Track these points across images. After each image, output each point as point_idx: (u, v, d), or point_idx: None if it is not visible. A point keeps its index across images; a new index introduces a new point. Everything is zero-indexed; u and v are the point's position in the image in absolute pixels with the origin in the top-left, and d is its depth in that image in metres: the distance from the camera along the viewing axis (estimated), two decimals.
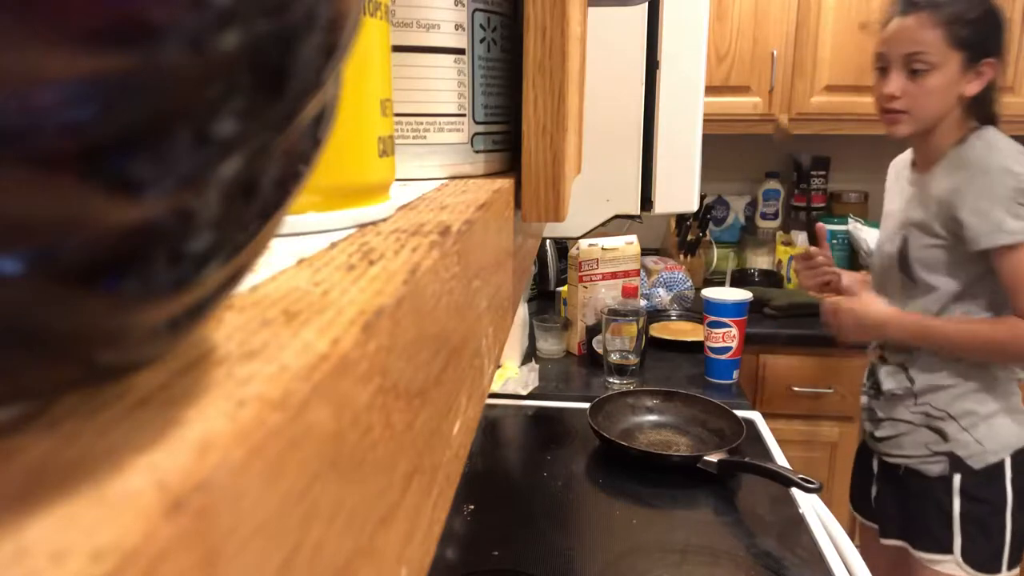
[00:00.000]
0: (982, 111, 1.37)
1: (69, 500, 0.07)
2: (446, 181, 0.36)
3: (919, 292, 1.43)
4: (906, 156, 1.54)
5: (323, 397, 0.11)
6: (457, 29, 0.36)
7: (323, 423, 0.11)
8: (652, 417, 1.44)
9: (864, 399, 1.60)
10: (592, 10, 0.80)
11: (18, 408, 0.09)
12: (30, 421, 0.09)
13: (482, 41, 0.37)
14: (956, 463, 1.43)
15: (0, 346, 0.08)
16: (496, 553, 1.04)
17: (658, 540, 1.07)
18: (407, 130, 0.36)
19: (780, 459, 1.32)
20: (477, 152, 0.39)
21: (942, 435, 1.44)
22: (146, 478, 0.08)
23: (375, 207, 0.24)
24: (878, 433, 1.54)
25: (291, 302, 0.14)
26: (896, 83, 1.35)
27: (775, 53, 2.17)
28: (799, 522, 1.11)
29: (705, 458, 1.22)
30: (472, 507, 1.17)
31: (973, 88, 1.33)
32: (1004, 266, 1.31)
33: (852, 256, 2.39)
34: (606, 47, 0.81)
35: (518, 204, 0.40)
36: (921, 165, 1.45)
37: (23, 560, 0.07)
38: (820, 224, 1.63)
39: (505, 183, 0.36)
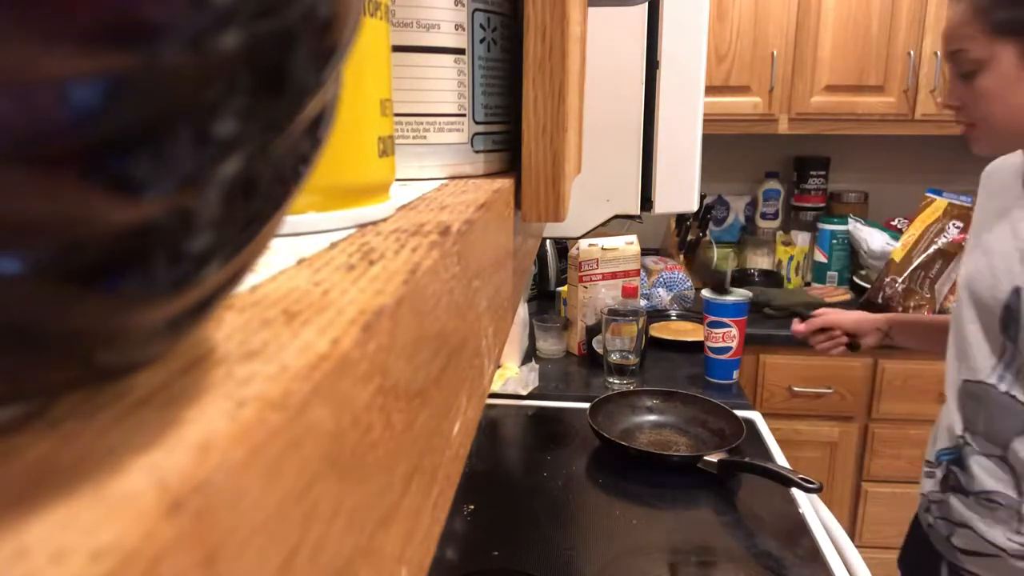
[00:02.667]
0: None
1: (69, 500, 0.07)
2: (446, 181, 0.36)
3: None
4: (1013, 163, 1.16)
5: (323, 397, 0.11)
6: (457, 29, 0.36)
7: (323, 423, 0.11)
8: (652, 417, 1.44)
9: (930, 482, 1.21)
10: (592, 10, 0.80)
11: (18, 408, 0.09)
12: (30, 421, 0.09)
13: (482, 41, 0.37)
14: None
15: (0, 346, 0.08)
16: (496, 553, 1.04)
17: (658, 540, 1.07)
18: (407, 130, 0.36)
19: (780, 459, 1.32)
20: (477, 152, 0.39)
21: None
22: (146, 478, 0.08)
23: (375, 207, 0.24)
24: (956, 540, 1.15)
25: (291, 302, 0.14)
26: (952, 90, 1.09)
27: (775, 53, 2.17)
28: (799, 522, 1.11)
29: (705, 458, 1.22)
30: (472, 507, 1.17)
31: None
32: None
33: (852, 256, 2.39)
34: (606, 47, 0.81)
35: (518, 204, 0.40)
36: None
37: (23, 560, 0.07)
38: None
39: (505, 183, 0.36)
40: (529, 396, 1.60)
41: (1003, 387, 1.07)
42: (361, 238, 0.21)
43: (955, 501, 1.15)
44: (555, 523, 1.12)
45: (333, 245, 0.20)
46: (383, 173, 0.25)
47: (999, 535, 1.09)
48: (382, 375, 0.14)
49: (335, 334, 0.12)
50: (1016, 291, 1.05)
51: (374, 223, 0.24)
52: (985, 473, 1.10)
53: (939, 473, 1.19)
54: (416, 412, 0.17)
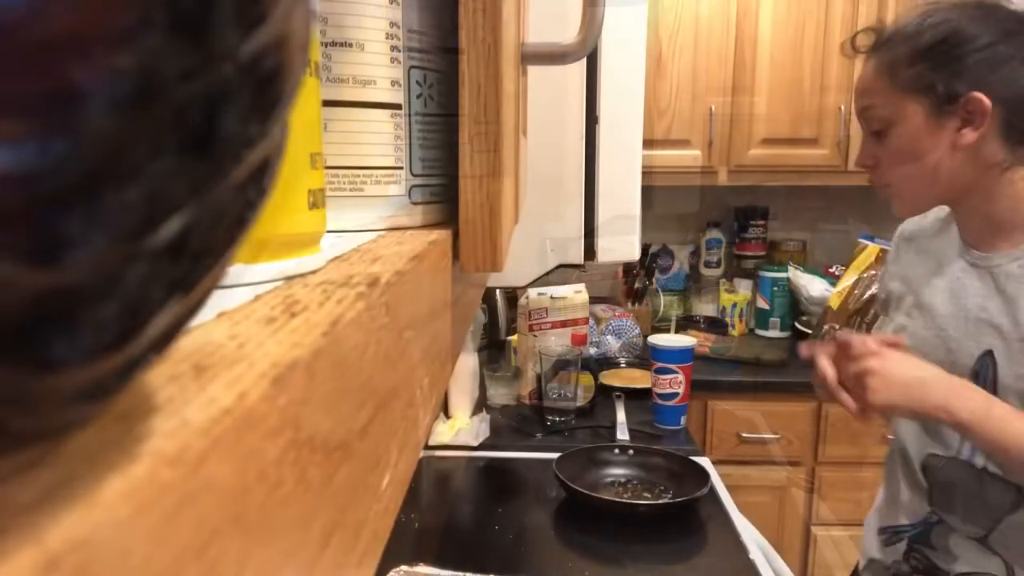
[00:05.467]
0: None
1: None
2: (383, 232, 0.37)
3: None
4: (929, 222, 1.12)
5: (224, 452, 0.11)
6: (393, 85, 0.36)
7: (224, 478, 0.11)
8: (618, 470, 1.43)
9: (890, 550, 1.12)
10: (535, 67, 0.83)
11: None
12: None
13: (419, 97, 0.38)
14: None
15: None
16: None
17: None
18: (344, 182, 0.36)
19: (729, 504, 1.33)
20: (415, 204, 0.39)
21: None
22: (23, 536, 0.08)
23: (304, 259, 0.24)
24: None
25: (203, 356, 0.14)
26: (864, 148, 1.04)
27: (713, 108, 2.26)
28: (750, 570, 1.12)
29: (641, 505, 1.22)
30: (423, 564, 1.14)
31: (969, 136, 0.94)
32: None
33: (793, 303, 2.46)
34: (549, 102, 0.84)
35: (457, 255, 0.40)
36: (983, 241, 1.01)
37: None
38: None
39: (442, 234, 0.37)
40: (480, 447, 1.58)
41: (979, 462, 0.99)
42: (287, 290, 0.21)
43: None
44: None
45: (257, 298, 0.20)
46: (313, 225, 0.25)
47: None
48: (295, 429, 0.14)
49: (242, 388, 0.12)
50: (988, 354, 0.96)
51: (303, 275, 0.24)
52: (969, 554, 1.01)
53: (902, 548, 1.10)
54: (337, 466, 0.17)
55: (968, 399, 0.90)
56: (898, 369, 0.93)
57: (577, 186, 0.83)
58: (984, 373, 0.96)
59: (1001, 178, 0.96)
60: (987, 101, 0.93)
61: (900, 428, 1.11)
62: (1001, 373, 0.95)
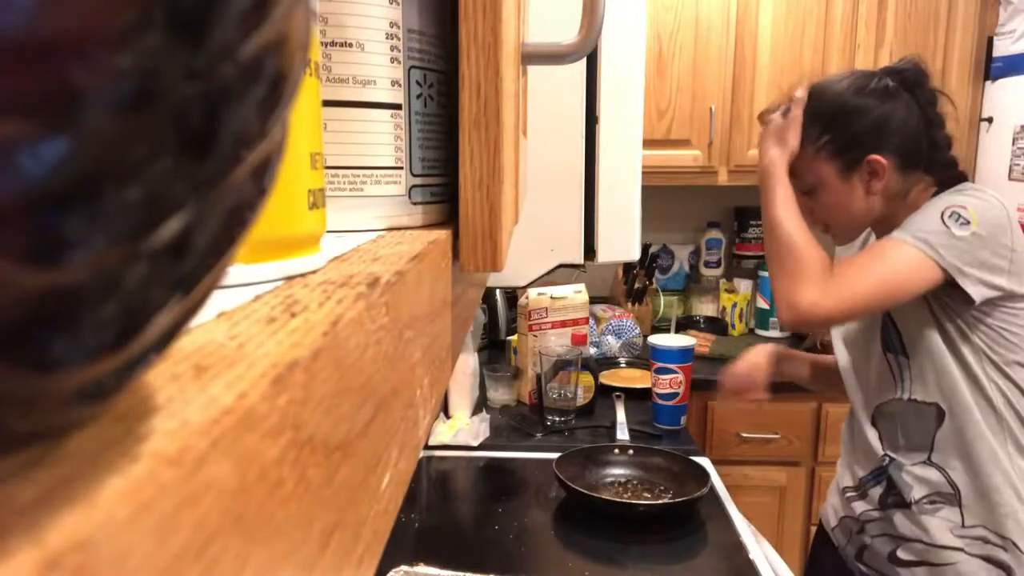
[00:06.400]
0: (939, 176, 1.22)
1: None
2: (383, 232, 0.37)
3: (918, 367, 1.19)
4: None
5: (224, 452, 0.11)
6: (393, 85, 0.36)
7: (224, 478, 0.11)
8: (616, 471, 1.43)
9: (861, 504, 1.29)
10: (535, 67, 0.83)
11: None
12: None
13: (419, 97, 0.38)
14: None
15: None
16: None
17: None
18: (344, 182, 0.36)
19: (729, 504, 1.33)
20: (415, 204, 0.39)
21: (1006, 570, 1.13)
22: (24, 536, 0.08)
23: (304, 259, 0.24)
24: (902, 554, 1.21)
25: (203, 356, 0.14)
26: (801, 205, 1.25)
27: (713, 108, 2.26)
28: (749, 569, 1.12)
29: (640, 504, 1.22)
30: (423, 563, 1.14)
31: (877, 186, 1.20)
32: (876, 245, 1.15)
33: None
34: (548, 102, 0.84)
35: (457, 254, 0.40)
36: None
37: None
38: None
39: (442, 234, 0.37)
40: (480, 447, 1.58)
41: (905, 396, 1.22)
42: (287, 290, 0.21)
43: (900, 517, 1.22)
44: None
45: (257, 298, 0.20)
46: (313, 225, 0.25)
47: (948, 537, 1.17)
48: (295, 429, 0.14)
49: (242, 388, 0.12)
50: (887, 315, 1.22)
51: (303, 275, 0.24)
52: (918, 481, 1.20)
53: (874, 493, 1.27)
54: (337, 466, 0.17)
55: (776, 183, 1.22)
56: (773, 135, 1.25)
57: (577, 186, 0.83)
58: (888, 337, 1.23)
59: (904, 200, 1.23)
60: (883, 160, 1.19)
61: (851, 395, 1.33)
62: (895, 320, 1.21)
